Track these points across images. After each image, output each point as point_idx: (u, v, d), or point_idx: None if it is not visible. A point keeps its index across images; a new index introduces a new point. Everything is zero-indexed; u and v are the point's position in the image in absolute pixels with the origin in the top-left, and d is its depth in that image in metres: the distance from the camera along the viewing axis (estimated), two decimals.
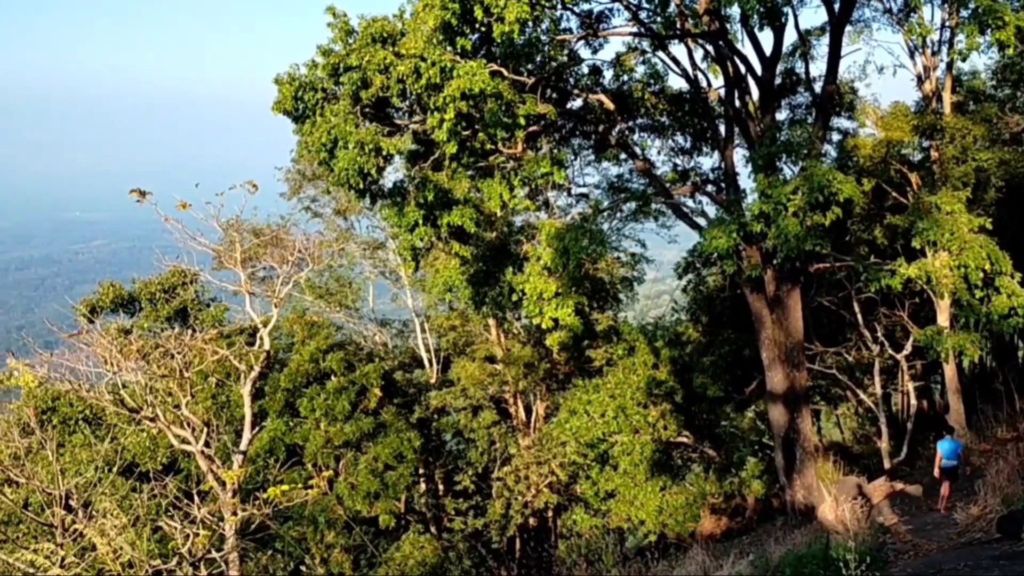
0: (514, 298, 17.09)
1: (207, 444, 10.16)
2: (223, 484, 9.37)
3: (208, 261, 16.97)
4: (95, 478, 12.22)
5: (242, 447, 10.49)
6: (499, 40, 13.18)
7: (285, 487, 8.81)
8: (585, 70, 17.67)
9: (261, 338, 11.17)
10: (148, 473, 16.50)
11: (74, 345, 13.75)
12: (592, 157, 20.61)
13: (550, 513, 23.78)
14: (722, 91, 17.02)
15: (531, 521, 23.57)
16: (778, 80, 18.21)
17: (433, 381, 25.46)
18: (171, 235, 11.94)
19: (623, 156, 19.83)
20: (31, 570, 7.54)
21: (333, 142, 14.53)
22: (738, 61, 16.06)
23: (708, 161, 20.77)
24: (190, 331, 12.59)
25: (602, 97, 16.81)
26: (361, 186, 15.12)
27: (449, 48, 13.41)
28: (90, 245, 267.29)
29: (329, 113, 14.59)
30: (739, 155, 18.05)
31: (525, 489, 21.75)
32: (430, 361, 26.77)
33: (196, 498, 8.94)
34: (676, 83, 20.51)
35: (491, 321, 24.61)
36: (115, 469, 13.91)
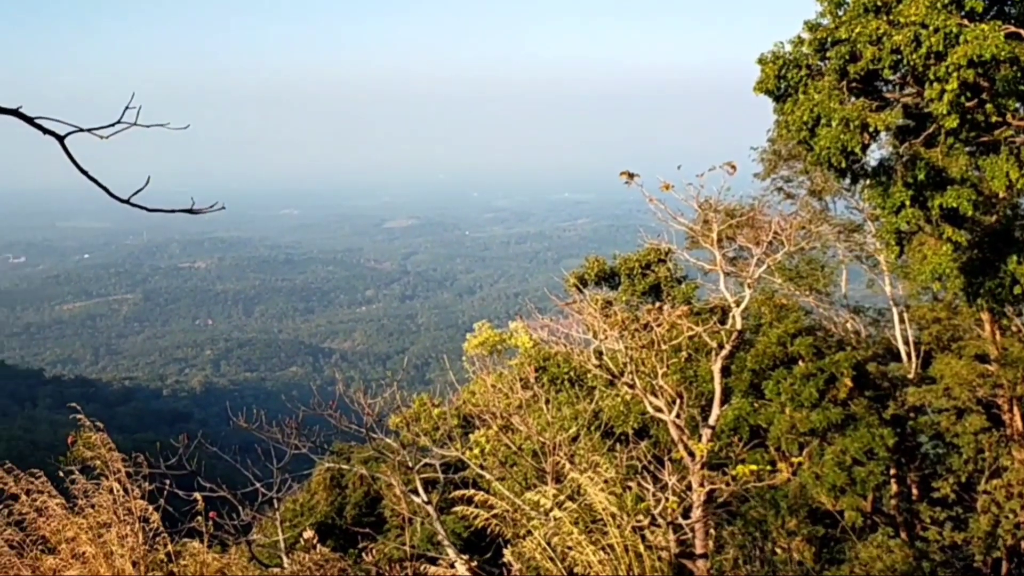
0: (1016, 291, 15.00)
1: (677, 415, 10.60)
2: (692, 455, 9.71)
3: (681, 240, 17.65)
4: (575, 434, 13.54)
5: (710, 422, 10.76)
6: None
7: (753, 467, 8.87)
8: None
9: (733, 317, 11.30)
10: (620, 436, 17.82)
11: (560, 311, 15.32)
12: None
13: None
14: None
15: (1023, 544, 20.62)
16: None
17: (910, 376, 23.47)
18: (646, 215, 12.61)
19: None
20: (526, 507, 8.68)
21: (815, 120, 14.07)
22: None
23: None
24: (665, 306, 13.21)
25: None
26: (842, 165, 14.43)
27: (955, 11, 12.13)
28: (575, 223, 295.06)
29: (812, 90, 14.15)
30: None
31: (1019, 508, 19.06)
32: (908, 355, 24.70)
33: (667, 465, 9.42)
34: None
35: (985, 315, 21.84)
36: (593, 428, 15.25)
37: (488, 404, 13.75)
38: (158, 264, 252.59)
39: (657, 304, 13.05)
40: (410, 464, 12.15)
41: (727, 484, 8.90)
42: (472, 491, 8.31)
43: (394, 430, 14.42)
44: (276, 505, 11.06)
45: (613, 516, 6.87)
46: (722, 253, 12.92)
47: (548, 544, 6.61)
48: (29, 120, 3.51)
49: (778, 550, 18.58)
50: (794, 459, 9.92)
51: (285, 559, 10.02)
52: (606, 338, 10.89)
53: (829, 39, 13.92)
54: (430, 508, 11.27)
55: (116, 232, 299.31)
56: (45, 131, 3.52)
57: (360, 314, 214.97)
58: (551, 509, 7.10)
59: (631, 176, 11.30)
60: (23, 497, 7.26)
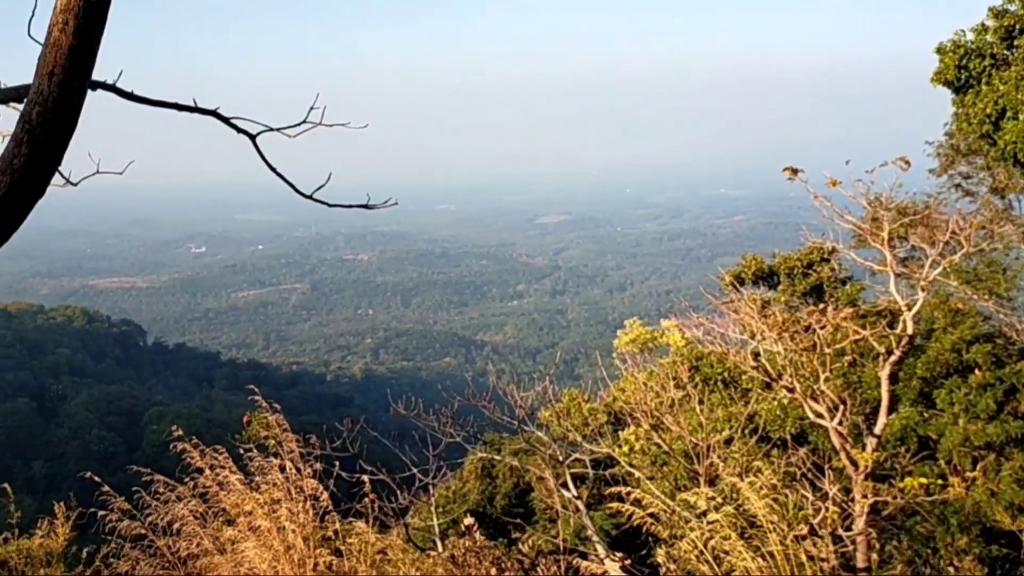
0: None
1: (840, 422, 10.18)
2: (855, 464, 9.30)
3: (846, 239, 16.81)
4: (729, 436, 13.21)
5: (876, 430, 10.25)
6: None
7: (922, 480, 8.39)
8: None
9: (904, 321, 10.72)
10: (776, 441, 17.25)
11: (714, 310, 14.94)
12: None
13: None
14: None
15: None
16: None
17: None
18: (808, 212, 12.09)
19: None
20: (678, 508, 8.56)
21: (999, 112, 13.13)
22: None
23: None
24: (828, 308, 12.67)
25: None
26: None
27: None
28: (731, 220, 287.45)
29: (997, 81, 13.20)
30: None
31: None
32: None
33: (828, 473, 9.05)
34: None
35: None
36: (747, 431, 14.82)
37: (639, 402, 13.65)
38: (324, 256, 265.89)
39: (820, 305, 12.55)
40: (560, 458, 12.26)
41: (893, 497, 8.46)
42: (624, 488, 8.29)
43: (544, 423, 14.54)
44: (431, 491, 11.39)
45: (773, 523, 6.67)
46: (893, 253, 12.27)
47: (704, 547, 6.50)
48: (225, 120, 3.79)
49: (950, 569, 17.47)
50: (968, 474, 9.33)
51: (439, 543, 10.34)
52: (764, 339, 10.58)
53: (1017, 26, 12.94)
54: (580, 503, 11.34)
55: (287, 225, 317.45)
56: (239, 130, 3.80)
57: (511, 308, 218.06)
58: (707, 511, 6.98)
59: (795, 172, 10.90)
60: (207, 471, 7.86)
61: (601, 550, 10.05)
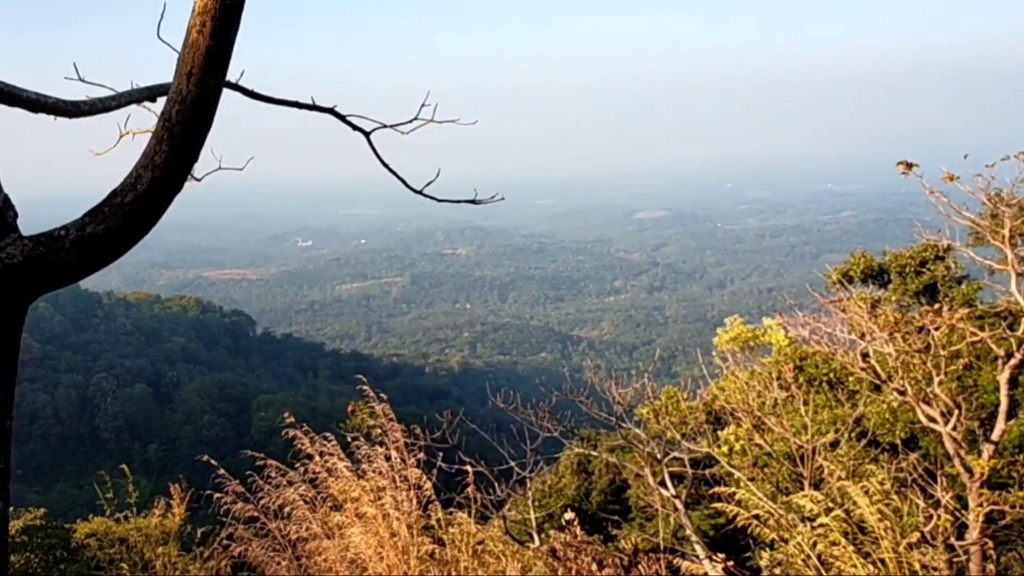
0: None
1: (954, 427, 9.77)
2: (970, 471, 8.91)
3: (962, 236, 16.04)
4: (834, 439, 12.80)
5: (993, 437, 9.78)
6: None
7: None
8: None
9: None
10: (885, 445, 16.63)
11: (820, 308, 14.49)
12: None
13: None
14: None
15: None
16: None
17: None
18: (921, 208, 11.59)
19: None
20: (781, 511, 8.37)
21: None
22: None
23: None
24: (943, 308, 12.15)
25: None
26: None
27: None
28: (838, 216, 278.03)
29: None
30: None
31: None
32: None
33: (940, 480, 8.70)
34: None
35: None
36: (854, 435, 14.34)
37: (740, 402, 13.39)
38: (424, 250, 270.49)
39: (934, 305, 12.05)
40: (658, 456, 12.15)
41: (1011, 506, 8.07)
42: (727, 489, 8.17)
43: (641, 420, 14.41)
44: (527, 484, 11.44)
45: (885, 529, 6.46)
46: (1014, 251, 11.68)
47: (810, 551, 6.34)
48: (341, 117, 3.94)
49: None
50: None
51: (535, 537, 10.40)
52: (874, 339, 10.23)
53: None
54: (678, 502, 11.22)
55: (389, 219, 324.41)
56: (354, 127, 3.93)
57: (608, 304, 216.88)
58: (817, 515, 6.81)
59: (909, 166, 10.48)
60: (316, 458, 8.15)
61: (700, 550, 9.93)
